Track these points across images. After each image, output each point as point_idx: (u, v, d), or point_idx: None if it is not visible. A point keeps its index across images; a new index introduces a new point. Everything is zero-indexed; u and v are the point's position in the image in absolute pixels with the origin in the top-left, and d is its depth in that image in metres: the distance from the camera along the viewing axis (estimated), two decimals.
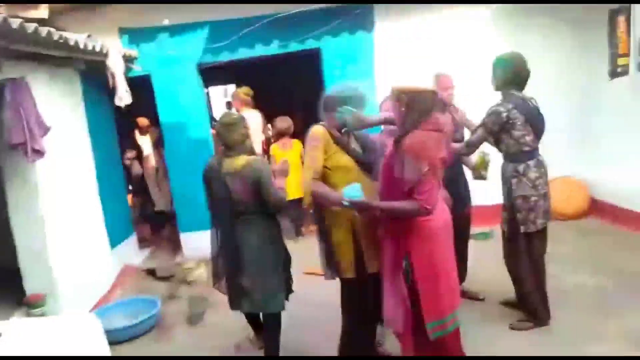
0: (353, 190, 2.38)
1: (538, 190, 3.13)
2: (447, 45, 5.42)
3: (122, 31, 5.42)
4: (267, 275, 3.03)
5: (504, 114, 3.10)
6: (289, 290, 3.23)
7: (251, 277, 3.01)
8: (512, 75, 3.17)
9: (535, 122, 3.16)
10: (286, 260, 3.22)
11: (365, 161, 2.72)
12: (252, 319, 3.45)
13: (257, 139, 5.48)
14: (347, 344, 2.86)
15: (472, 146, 3.25)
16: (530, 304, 3.28)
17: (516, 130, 3.11)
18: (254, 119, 5.59)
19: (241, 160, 2.97)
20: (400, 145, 2.34)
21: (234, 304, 3.21)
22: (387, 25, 5.51)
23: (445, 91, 3.50)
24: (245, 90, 5.91)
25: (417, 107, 2.34)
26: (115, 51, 4.81)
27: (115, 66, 4.78)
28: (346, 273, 2.71)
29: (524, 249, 3.22)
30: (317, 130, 2.69)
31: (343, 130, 2.73)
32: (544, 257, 3.29)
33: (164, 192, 6.69)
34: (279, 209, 3.06)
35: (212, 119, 6.52)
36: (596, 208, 5.56)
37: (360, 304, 2.75)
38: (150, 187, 6.78)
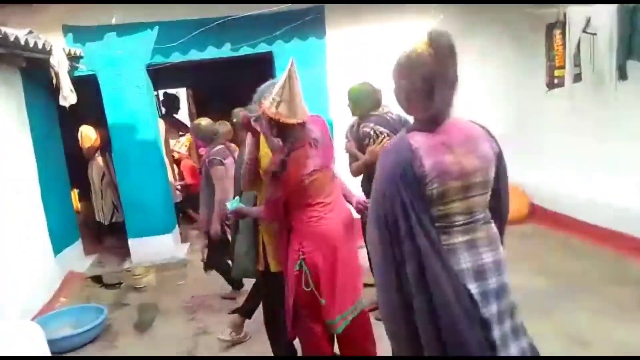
0: (232, 203, 2.78)
1: None
2: (395, 54, 5.56)
3: (67, 29, 5.22)
4: None
5: (370, 130, 3.46)
6: None
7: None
8: (366, 101, 3.57)
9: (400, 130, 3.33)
10: None
11: None
12: None
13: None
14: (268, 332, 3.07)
15: (356, 173, 3.60)
16: None
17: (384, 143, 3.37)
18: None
19: None
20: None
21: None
22: (338, 33, 5.59)
23: None
24: None
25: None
26: (59, 49, 4.65)
27: (59, 64, 4.61)
28: (259, 265, 2.89)
29: None
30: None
31: None
32: None
33: (106, 202, 6.28)
34: None
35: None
36: (535, 213, 5.86)
37: (267, 297, 3.02)
38: (93, 195, 6.34)
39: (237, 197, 2.86)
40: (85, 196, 6.69)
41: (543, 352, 2.99)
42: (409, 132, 1.71)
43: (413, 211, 1.59)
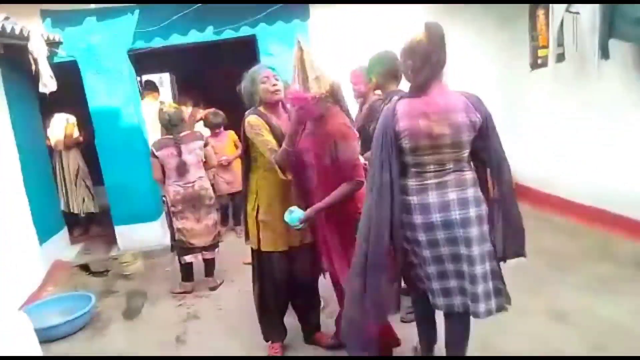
0: (292, 214, 2.60)
1: None
2: (381, 36, 5.54)
3: (45, 14, 5.11)
4: None
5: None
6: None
7: None
8: (391, 70, 3.03)
9: None
10: None
11: None
12: None
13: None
14: (258, 309, 3.09)
15: None
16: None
17: None
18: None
19: None
20: (322, 131, 2.57)
21: None
22: (323, 14, 5.55)
23: (353, 85, 3.62)
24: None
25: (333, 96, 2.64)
26: (37, 34, 4.55)
27: (38, 50, 4.52)
28: (251, 243, 2.95)
29: None
30: (252, 120, 2.76)
31: None
32: None
33: (79, 194, 6.16)
34: None
35: None
36: (520, 192, 5.92)
37: (261, 276, 2.97)
38: (67, 186, 6.16)
39: (293, 208, 2.62)
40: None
41: (528, 328, 3.08)
42: (400, 99, 2.27)
43: (388, 155, 2.20)
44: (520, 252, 2.39)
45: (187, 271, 4.34)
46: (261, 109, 2.82)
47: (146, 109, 5.79)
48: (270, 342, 3.11)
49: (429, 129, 2.16)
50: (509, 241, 2.34)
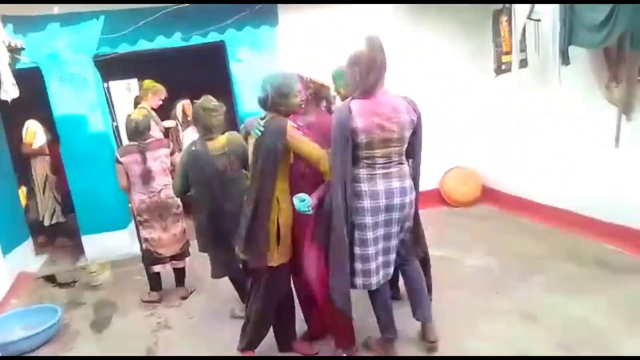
0: (304, 201, 2.63)
1: None
2: (349, 40, 5.58)
3: (6, 19, 4.95)
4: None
5: None
6: None
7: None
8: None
9: None
10: None
11: None
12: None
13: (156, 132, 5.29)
14: (263, 323, 2.99)
15: None
16: None
17: None
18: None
19: (222, 139, 3.45)
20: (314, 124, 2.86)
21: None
22: (291, 19, 5.56)
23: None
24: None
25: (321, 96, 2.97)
26: None
27: None
28: (270, 261, 2.78)
29: None
30: (291, 125, 2.69)
31: None
32: None
33: (46, 202, 6.02)
34: None
35: (112, 113, 6.17)
36: (488, 195, 6.06)
37: (272, 291, 2.87)
38: (37, 194, 6.06)
39: (303, 195, 2.65)
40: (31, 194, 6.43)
41: (496, 328, 3.15)
42: (352, 100, 2.61)
43: (343, 149, 2.55)
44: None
45: (155, 281, 4.27)
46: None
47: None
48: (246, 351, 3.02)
49: (381, 126, 2.55)
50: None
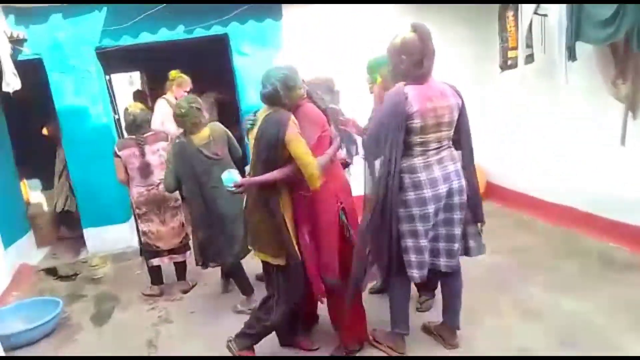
0: (230, 174, 2.75)
1: None
2: (353, 36, 5.55)
3: (7, 10, 4.93)
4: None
5: None
6: None
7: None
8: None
9: None
10: None
11: None
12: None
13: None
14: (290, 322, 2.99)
15: None
16: None
17: None
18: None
19: (205, 131, 3.61)
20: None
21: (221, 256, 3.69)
22: (295, 13, 5.52)
23: None
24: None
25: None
26: None
27: (1, 48, 4.36)
28: (293, 258, 2.73)
29: None
30: (293, 120, 2.64)
31: None
32: None
33: (63, 191, 6.08)
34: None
35: (114, 106, 6.14)
36: (492, 191, 6.03)
37: (296, 288, 2.82)
38: (55, 183, 6.14)
39: (233, 170, 2.73)
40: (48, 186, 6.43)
41: (499, 325, 3.13)
42: (405, 85, 2.57)
43: (397, 136, 2.52)
44: (481, 219, 2.87)
45: (155, 274, 4.26)
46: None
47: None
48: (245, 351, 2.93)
49: (434, 109, 2.54)
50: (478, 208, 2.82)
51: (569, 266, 3.89)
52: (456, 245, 2.74)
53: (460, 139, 2.73)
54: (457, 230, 2.71)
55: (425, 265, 2.71)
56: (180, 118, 3.60)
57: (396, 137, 2.51)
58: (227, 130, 3.77)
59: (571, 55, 4.20)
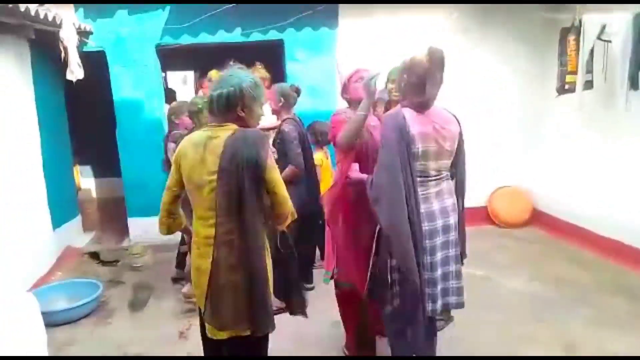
0: None
1: None
2: (406, 50, 5.51)
3: (77, 4, 5.20)
4: None
5: None
6: None
7: None
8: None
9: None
10: None
11: None
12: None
13: None
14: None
15: None
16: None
17: None
18: None
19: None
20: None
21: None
22: (351, 24, 5.54)
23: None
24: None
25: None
26: (69, 23, 4.62)
27: (68, 39, 4.60)
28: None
29: None
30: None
31: None
32: None
33: None
34: None
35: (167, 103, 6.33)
36: (538, 218, 5.84)
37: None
38: None
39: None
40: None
41: (534, 354, 3.01)
42: (402, 109, 2.41)
43: (406, 159, 2.31)
44: (463, 256, 2.63)
45: (181, 258, 4.39)
46: None
47: None
48: None
49: (436, 134, 2.38)
50: (462, 245, 2.61)
51: (614, 302, 3.72)
52: (452, 283, 2.51)
53: (456, 169, 2.58)
54: (454, 269, 2.50)
55: (437, 298, 2.48)
56: (194, 114, 3.71)
57: (406, 160, 2.31)
58: None
59: (633, 84, 4.05)
